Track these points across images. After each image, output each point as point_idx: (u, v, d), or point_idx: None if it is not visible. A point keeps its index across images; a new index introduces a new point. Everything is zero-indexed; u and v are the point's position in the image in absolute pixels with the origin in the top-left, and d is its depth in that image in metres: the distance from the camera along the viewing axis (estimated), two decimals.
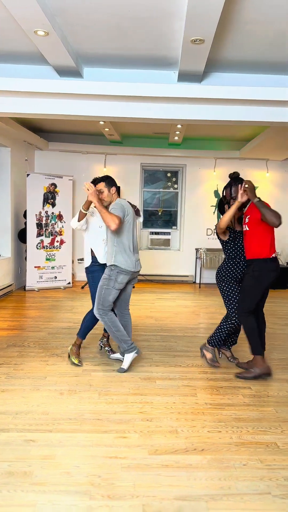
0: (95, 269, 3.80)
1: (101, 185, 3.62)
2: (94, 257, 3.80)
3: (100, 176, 3.75)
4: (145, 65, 4.33)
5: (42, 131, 7.81)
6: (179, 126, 6.62)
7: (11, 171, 7.08)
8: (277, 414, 2.97)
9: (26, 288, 7.29)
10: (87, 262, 3.83)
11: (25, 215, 7.34)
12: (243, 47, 3.84)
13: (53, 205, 7.53)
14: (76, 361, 3.77)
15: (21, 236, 7.48)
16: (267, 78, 4.46)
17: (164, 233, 8.88)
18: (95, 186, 3.59)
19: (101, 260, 3.78)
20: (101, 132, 7.48)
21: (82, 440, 2.57)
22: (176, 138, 7.58)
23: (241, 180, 3.64)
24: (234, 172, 3.76)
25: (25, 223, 7.29)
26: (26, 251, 7.33)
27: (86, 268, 3.85)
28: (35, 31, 3.36)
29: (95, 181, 3.69)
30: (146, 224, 9.00)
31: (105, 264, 3.72)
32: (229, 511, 2.00)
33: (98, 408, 2.98)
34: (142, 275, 8.61)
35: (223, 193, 3.83)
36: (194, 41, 3.44)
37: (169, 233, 8.86)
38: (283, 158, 8.23)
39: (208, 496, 2.10)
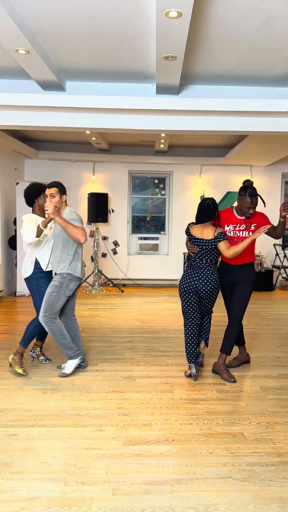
0: (40, 276, 3.78)
1: (54, 190, 3.59)
2: (38, 265, 3.77)
3: (54, 183, 3.68)
4: (124, 78, 4.55)
5: (31, 140, 8.01)
6: (163, 135, 6.84)
7: (1, 179, 7.27)
8: (247, 408, 3.16)
9: (17, 294, 7.46)
10: (29, 271, 3.78)
11: (15, 223, 7.52)
12: (215, 61, 4.06)
13: None
14: (20, 371, 3.70)
15: (11, 243, 7.66)
16: (241, 90, 4.69)
17: (152, 238, 9.08)
18: (50, 187, 3.61)
19: (46, 268, 3.79)
20: (89, 141, 7.69)
21: (61, 433, 2.74)
22: (161, 146, 7.81)
23: (253, 190, 3.60)
24: (248, 180, 3.71)
25: (15, 230, 7.47)
26: (16, 257, 7.50)
27: (30, 277, 3.78)
28: (16, 49, 3.57)
29: (49, 186, 3.63)
30: (135, 230, 9.20)
31: (49, 271, 3.80)
32: (192, 493, 2.18)
33: (79, 405, 3.16)
34: (131, 279, 8.80)
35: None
36: (167, 57, 3.65)
37: (157, 238, 9.06)
38: (266, 164, 8.48)
39: (174, 480, 2.28)
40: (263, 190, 8.82)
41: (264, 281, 8.30)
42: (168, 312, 6.45)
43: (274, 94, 4.66)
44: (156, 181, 9.14)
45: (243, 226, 3.70)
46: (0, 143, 6.85)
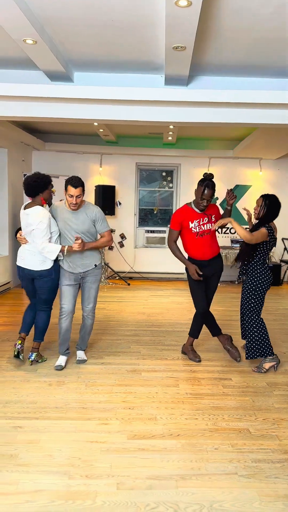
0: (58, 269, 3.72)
1: (80, 190, 3.48)
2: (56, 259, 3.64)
3: (74, 175, 3.63)
4: (133, 69, 4.49)
5: (38, 132, 7.99)
6: (171, 127, 6.77)
7: (8, 171, 7.25)
8: (253, 403, 3.14)
9: None
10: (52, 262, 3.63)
11: None
12: (225, 52, 3.98)
13: (50, 204, 7.68)
14: (45, 358, 3.92)
15: None
16: (251, 81, 4.60)
17: (159, 231, 9.04)
18: (76, 187, 3.46)
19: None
20: (96, 132, 7.64)
21: (66, 426, 2.74)
22: (170, 138, 7.73)
23: (210, 182, 3.72)
24: (208, 173, 3.79)
25: None
26: None
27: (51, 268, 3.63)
28: (23, 39, 3.52)
29: (73, 185, 3.48)
30: (142, 223, 9.17)
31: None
32: (196, 489, 2.17)
33: (84, 398, 3.16)
34: (138, 272, 8.78)
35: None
36: (176, 47, 3.59)
37: (164, 231, 9.01)
38: (276, 157, 8.37)
39: (179, 476, 2.27)
40: (272, 184, 8.73)
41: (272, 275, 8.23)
42: (175, 306, 6.43)
43: (284, 86, 4.57)
44: (164, 173, 9.08)
45: (205, 219, 3.82)
46: (8, 134, 6.83)
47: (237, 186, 8.65)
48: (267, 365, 3.73)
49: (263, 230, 3.61)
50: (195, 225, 3.78)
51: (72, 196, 3.48)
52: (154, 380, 3.53)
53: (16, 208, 7.71)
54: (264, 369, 3.72)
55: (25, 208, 3.65)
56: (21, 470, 2.28)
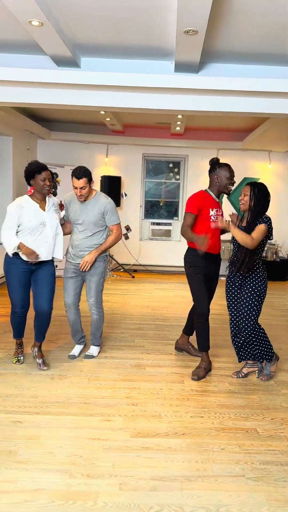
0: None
1: (84, 182, 3.34)
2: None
3: (80, 165, 3.46)
4: (142, 55, 4.34)
5: (44, 120, 7.85)
6: (180, 116, 6.62)
7: (13, 160, 7.14)
8: (261, 402, 3.04)
9: None
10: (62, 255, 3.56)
11: None
12: (238, 38, 3.82)
13: (54, 194, 7.58)
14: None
15: None
16: (264, 69, 4.44)
17: (165, 224, 8.92)
18: (79, 179, 3.32)
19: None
20: (103, 121, 7.50)
21: (67, 422, 2.66)
22: (178, 128, 7.58)
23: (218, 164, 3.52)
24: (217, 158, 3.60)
25: None
26: None
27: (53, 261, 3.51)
28: (29, 21, 3.39)
29: (77, 176, 3.35)
30: (147, 215, 9.04)
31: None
32: (202, 491, 2.08)
33: (86, 393, 3.07)
34: (142, 265, 8.68)
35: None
36: (187, 32, 3.44)
37: (170, 224, 8.89)
38: (286, 149, 8.19)
39: (184, 477, 2.18)
40: (281, 177, 8.56)
41: (279, 270, 8.11)
42: (180, 299, 6.33)
43: None
44: (171, 165, 8.92)
45: (220, 211, 3.56)
46: (13, 122, 6.70)
47: (245, 178, 8.49)
48: (273, 368, 3.49)
49: (261, 227, 3.13)
50: (214, 213, 3.49)
51: (76, 188, 3.38)
52: (158, 375, 3.44)
53: None
54: (273, 373, 3.50)
55: None
56: (20, 467, 2.20)
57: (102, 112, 6.56)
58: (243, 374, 3.47)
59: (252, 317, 3.27)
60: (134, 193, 8.68)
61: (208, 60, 4.39)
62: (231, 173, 3.48)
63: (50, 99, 4.65)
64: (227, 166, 3.50)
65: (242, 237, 3.12)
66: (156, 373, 3.49)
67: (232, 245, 3.46)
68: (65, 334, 4.30)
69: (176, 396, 3.09)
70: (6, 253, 3.36)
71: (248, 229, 3.18)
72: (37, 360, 3.50)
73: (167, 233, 8.88)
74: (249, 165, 8.49)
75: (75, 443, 2.44)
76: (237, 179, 8.50)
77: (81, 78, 4.39)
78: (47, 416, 2.72)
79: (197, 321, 3.51)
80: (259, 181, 8.52)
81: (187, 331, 3.94)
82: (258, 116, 5.41)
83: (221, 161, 3.59)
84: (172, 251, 8.80)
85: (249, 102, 4.68)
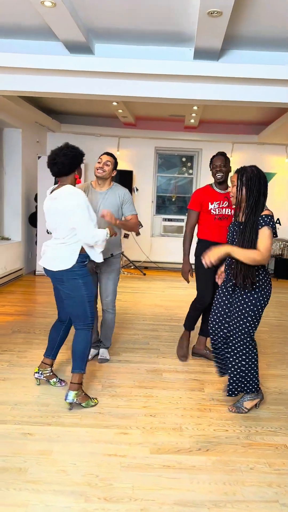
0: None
1: (110, 158, 3.24)
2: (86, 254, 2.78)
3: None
4: (159, 41, 4.09)
5: (54, 112, 7.63)
6: (195, 107, 6.36)
7: (22, 153, 6.94)
8: None
9: (36, 272, 7.22)
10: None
11: (36, 199, 7.23)
12: (263, 21, 3.57)
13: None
14: (95, 401, 2.83)
15: (32, 220, 7.38)
16: None
17: (177, 220, 8.68)
18: (108, 155, 3.24)
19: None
20: (115, 114, 7.26)
21: (81, 435, 2.45)
22: (192, 121, 7.31)
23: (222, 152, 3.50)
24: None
25: (36, 207, 7.17)
26: (36, 235, 7.23)
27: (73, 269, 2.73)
28: (41, 1, 3.16)
29: (113, 156, 3.30)
30: (159, 211, 8.81)
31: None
32: None
33: (101, 401, 2.86)
34: (154, 262, 8.46)
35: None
36: (211, 13, 3.19)
37: (182, 220, 8.64)
38: None
39: (211, 502, 1.96)
40: None
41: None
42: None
43: None
44: (184, 159, 8.66)
45: (225, 203, 3.46)
46: (22, 114, 6.49)
47: None
48: (249, 404, 2.82)
49: (266, 231, 2.50)
50: (214, 206, 3.45)
51: (100, 162, 3.24)
52: (176, 382, 3.23)
53: (30, 192, 7.41)
54: (246, 409, 2.80)
55: (51, 192, 2.81)
56: (31, 488, 2.00)
57: (115, 103, 6.33)
58: (246, 410, 2.81)
59: (247, 332, 2.65)
60: (145, 188, 8.44)
61: (229, 46, 4.13)
62: (218, 160, 3.44)
63: (61, 87, 4.43)
64: (217, 154, 3.50)
65: (248, 256, 2.48)
66: (173, 379, 3.28)
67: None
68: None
69: (197, 406, 2.87)
70: (75, 266, 2.70)
71: (247, 227, 2.55)
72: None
73: (179, 229, 8.64)
74: (265, 160, 8.20)
75: (90, 459, 2.23)
76: None
77: (95, 65, 4.16)
78: (59, 428, 2.51)
79: (194, 308, 3.59)
80: (275, 176, 8.28)
81: (203, 333, 3.74)
82: (279, 107, 5.14)
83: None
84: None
85: (272, 92, 4.42)
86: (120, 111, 6.85)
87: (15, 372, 3.26)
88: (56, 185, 2.81)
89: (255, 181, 2.53)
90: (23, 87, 4.41)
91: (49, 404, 2.79)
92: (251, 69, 4.14)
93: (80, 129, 7.95)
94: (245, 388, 2.76)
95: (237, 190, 2.57)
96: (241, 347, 2.68)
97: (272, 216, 2.56)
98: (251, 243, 2.52)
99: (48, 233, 3.28)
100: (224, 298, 2.80)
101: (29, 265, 7.51)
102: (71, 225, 2.64)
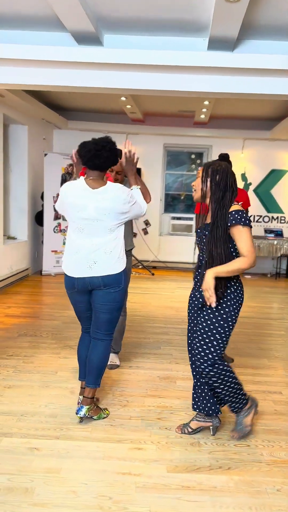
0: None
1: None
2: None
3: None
4: (171, 31, 3.89)
5: (61, 109, 7.45)
6: (206, 102, 6.15)
7: (28, 150, 6.78)
8: None
9: (43, 272, 7.07)
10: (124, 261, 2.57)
11: (42, 197, 7.07)
12: (282, 7, 3.36)
13: None
14: (107, 413, 2.66)
15: (38, 219, 7.23)
16: None
17: (186, 218, 8.48)
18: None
19: None
20: (122, 110, 7.07)
21: (92, 450, 2.28)
22: (202, 116, 7.10)
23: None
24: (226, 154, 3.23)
25: (42, 206, 7.02)
26: (43, 234, 7.08)
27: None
28: None
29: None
30: (167, 209, 8.62)
31: None
32: None
33: (112, 412, 2.69)
34: (162, 261, 8.27)
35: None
36: None
37: (191, 219, 8.45)
38: None
39: None
40: None
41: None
42: None
43: None
44: (193, 156, 8.46)
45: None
46: (28, 110, 6.32)
47: (273, 170, 7.99)
48: (248, 419, 2.45)
49: (242, 231, 2.18)
50: None
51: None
52: (191, 391, 3.03)
53: (36, 190, 7.25)
54: (249, 426, 2.44)
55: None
56: (38, 511, 1.82)
57: (123, 99, 6.14)
58: (189, 430, 2.48)
59: (217, 347, 2.25)
60: (154, 186, 8.24)
61: (245, 36, 3.93)
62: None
63: (68, 80, 4.24)
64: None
65: (233, 269, 2.17)
66: (188, 387, 3.08)
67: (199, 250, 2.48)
68: None
69: None
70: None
71: (215, 224, 2.24)
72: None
73: (188, 228, 8.44)
74: (278, 156, 7.99)
75: (102, 479, 2.06)
76: (264, 171, 8.03)
77: (104, 56, 3.97)
78: (68, 442, 2.34)
79: None
80: (287, 173, 8.06)
81: None
82: None
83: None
84: (194, 247, 8.36)
85: None
86: (129, 106, 6.66)
87: (21, 378, 3.10)
88: (84, 178, 2.55)
89: (222, 174, 2.26)
90: (29, 80, 4.24)
91: (57, 415, 2.62)
92: (268, 59, 3.93)
93: (87, 125, 7.77)
94: (233, 409, 2.42)
95: (202, 181, 2.30)
96: (210, 367, 2.23)
97: (243, 211, 2.23)
98: (222, 241, 2.22)
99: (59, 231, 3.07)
100: (190, 315, 2.51)
101: (36, 265, 7.36)
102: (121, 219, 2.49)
